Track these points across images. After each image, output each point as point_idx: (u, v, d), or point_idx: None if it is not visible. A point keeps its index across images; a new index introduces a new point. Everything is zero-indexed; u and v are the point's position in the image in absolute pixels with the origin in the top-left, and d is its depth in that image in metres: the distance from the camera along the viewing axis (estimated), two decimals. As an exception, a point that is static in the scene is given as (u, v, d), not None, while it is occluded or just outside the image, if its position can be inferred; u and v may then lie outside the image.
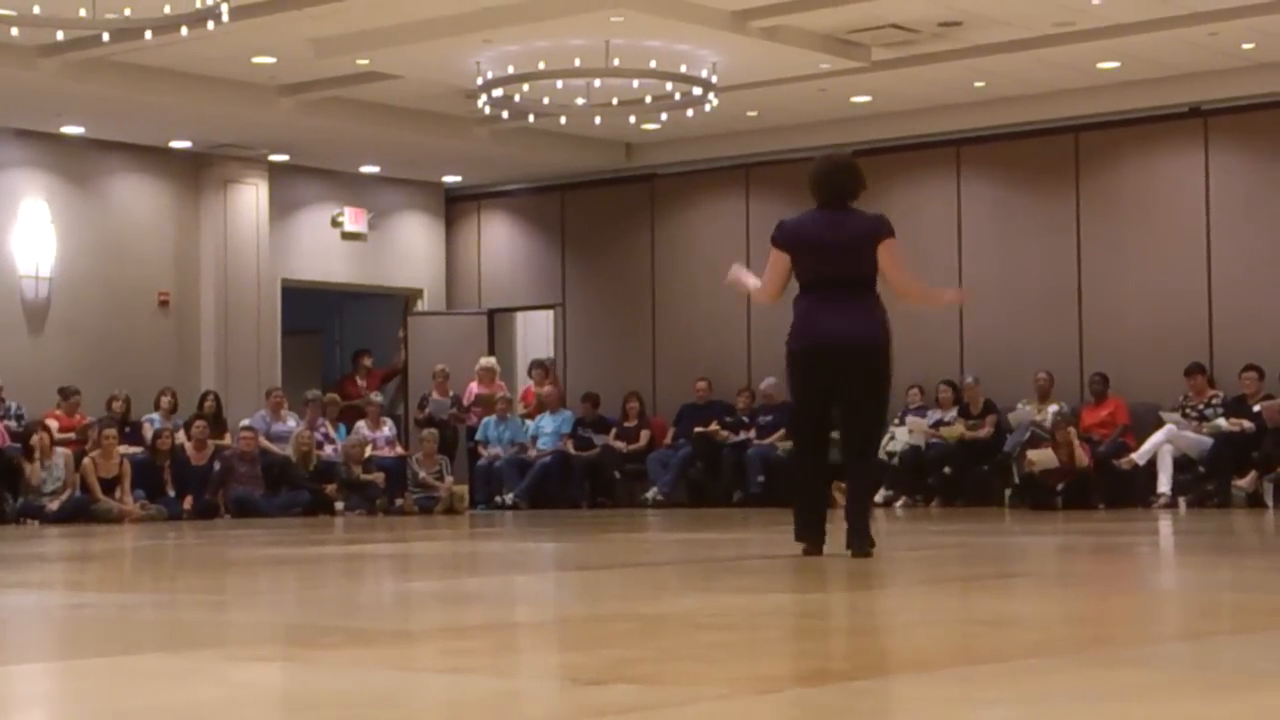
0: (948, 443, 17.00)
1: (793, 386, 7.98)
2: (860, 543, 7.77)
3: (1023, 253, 17.75)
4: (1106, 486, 15.88)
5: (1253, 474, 15.43)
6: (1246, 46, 15.51)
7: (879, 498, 17.19)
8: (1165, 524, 12.64)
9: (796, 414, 8.11)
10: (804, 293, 7.85)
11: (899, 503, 17.00)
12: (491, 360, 19.66)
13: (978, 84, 16.82)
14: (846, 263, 7.75)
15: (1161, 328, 16.84)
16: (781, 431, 17.91)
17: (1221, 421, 15.81)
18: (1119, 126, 17.29)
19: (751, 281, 8.26)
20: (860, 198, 8.03)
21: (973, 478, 16.89)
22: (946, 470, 16.98)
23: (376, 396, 18.85)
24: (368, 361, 20.71)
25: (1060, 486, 15.69)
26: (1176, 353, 16.46)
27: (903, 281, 7.94)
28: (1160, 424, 15.98)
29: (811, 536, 7.91)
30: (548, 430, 18.88)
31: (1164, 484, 15.73)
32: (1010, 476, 16.41)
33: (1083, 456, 15.74)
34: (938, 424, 17.20)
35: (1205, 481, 15.79)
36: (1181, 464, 15.85)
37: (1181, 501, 15.67)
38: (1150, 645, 4.56)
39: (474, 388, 19.35)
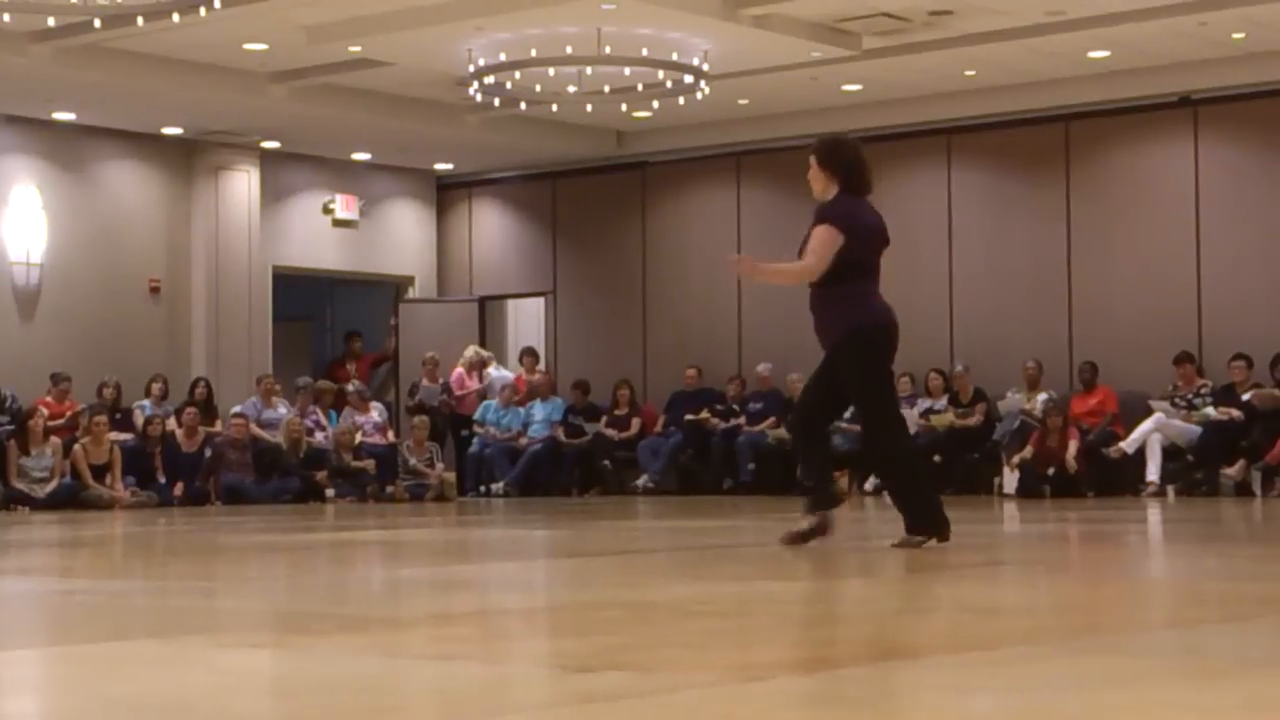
0: (938, 431, 17.02)
1: (879, 366, 7.87)
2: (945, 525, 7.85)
3: (1013, 242, 17.76)
4: (1095, 475, 15.91)
5: (1241, 463, 15.45)
6: (1237, 36, 15.53)
7: (868, 486, 17.22)
8: (1154, 512, 12.66)
9: (893, 393, 8.17)
10: (857, 276, 7.82)
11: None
12: (481, 351, 19.64)
13: (968, 73, 16.82)
14: (881, 251, 7.97)
15: (1151, 316, 16.86)
16: (771, 419, 17.94)
17: (1210, 410, 15.83)
18: (1109, 116, 17.30)
19: (780, 267, 8.30)
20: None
21: (962, 466, 16.91)
22: (936, 458, 16.99)
23: (352, 386, 18.69)
24: (358, 345, 20.68)
25: (1050, 471, 15.73)
26: (1165, 341, 16.48)
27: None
28: (1149, 413, 16.00)
29: (943, 521, 7.84)
30: (538, 418, 18.88)
31: (1153, 472, 15.75)
32: (999, 465, 16.42)
33: (1072, 449, 15.77)
34: (927, 412, 17.22)
35: (1194, 470, 15.82)
36: (1170, 452, 15.88)
37: (1170, 490, 15.70)
38: (1139, 633, 4.57)
39: (462, 376, 19.35)
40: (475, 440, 18.86)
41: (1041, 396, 16.52)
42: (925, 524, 7.77)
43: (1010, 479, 16.06)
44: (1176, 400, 16.08)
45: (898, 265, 18.29)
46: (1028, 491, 15.69)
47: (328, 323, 22.99)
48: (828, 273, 7.72)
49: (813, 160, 7.94)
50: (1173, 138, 17.06)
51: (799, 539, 7.78)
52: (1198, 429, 15.77)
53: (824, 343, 7.94)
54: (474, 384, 19.38)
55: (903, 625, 4.75)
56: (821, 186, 7.92)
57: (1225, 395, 15.90)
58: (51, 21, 14.09)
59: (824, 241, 7.73)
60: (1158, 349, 16.48)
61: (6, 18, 13.67)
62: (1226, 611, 5.23)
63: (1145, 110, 17.11)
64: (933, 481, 8.07)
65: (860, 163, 7.90)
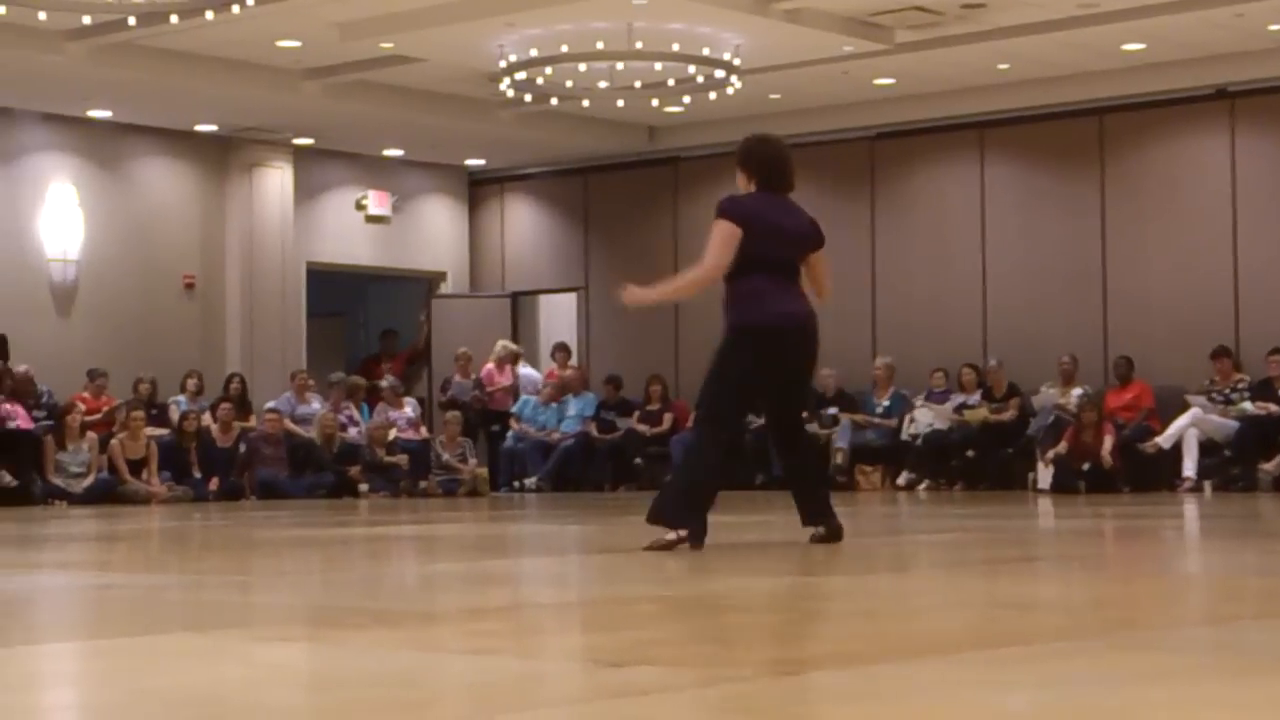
0: (972, 426, 16.98)
1: (751, 370, 7.46)
2: (837, 525, 7.55)
3: (1047, 236, 17.71)
4: (1131, 470, 15.85)
5: (1278, 458, 15.38)
6: (1273, 28, 15.44)
7: (902, 480, 17.20)
8: (1190, 508, 12.61)
9: (745, 393, 7.60)
10: (757, 273, 7.44)
11: (922, 486, 16.99)
12: (511, 345, 19.66)
13: (1001, 66, 16.77)
14: (796, 249, 7.57)
15: (1187, 311, 16.79)
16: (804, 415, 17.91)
17: (1247, 405, 15.76)
18: (1144, 108, 17.23)
19: (674, 282, 8.00)
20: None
21: (996, 461, 16.87)
22: (970, 454, 16.96)
23: (386, 381, 18.75)
24: (394, 342, 20.73)
25: (1085, 466, 15.68)
26: (1202, 336, 16.41)
27: (829, 291, 7.89)
28: (1185, 407, 15.94)
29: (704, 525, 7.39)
30: (570, 413, 18.89)
31: (1189, 468, 15.69)
32: (1034, 461, 16.37)
33: (1107, 444, 15.71)
34: (961, 407, 17.17)
35: (1231, 465, 15.75)
36: (1207, 448, 15.81)
37: (1207, 485, 15.63)
38: (1175, 629, 4.55)
39: (492, 371, 19.38)
40: (508, 435, 18.88)
41: (1076, 391, 16.46)
42: (684, 522, 7.27)
43: (1045, 474, 16.02)
44: (1213, 395, 16.01)
45: (931, 260, 18.49)
46: (1062, 487, 15.63)
47: (361, 318, 23.05)
48: (731, 268, 7.39)
49: (736, 161, 7.68)
50: (1209, 130, 16.98)
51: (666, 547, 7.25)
52: (1235, 424, 15.70)
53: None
54: (504, 379, 19.39)
55: (936, 620, 4.74)
56: (741, 187, 7.64)
57: (1263, 390, 15.83)
58: (87, 19, 14.15)
59: (717, 238, 7.40)
60: (1194, 343, 16.41)
61: (43, 16, 13.74)
62: (1264, 608, 5.20)
63: (1180, 103, 17.04)
64: (714, 494, 7.47)
65: (778, 160, 7.62)
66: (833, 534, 7.55)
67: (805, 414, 7.71)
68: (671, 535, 7.24)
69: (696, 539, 7.25)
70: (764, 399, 7.76)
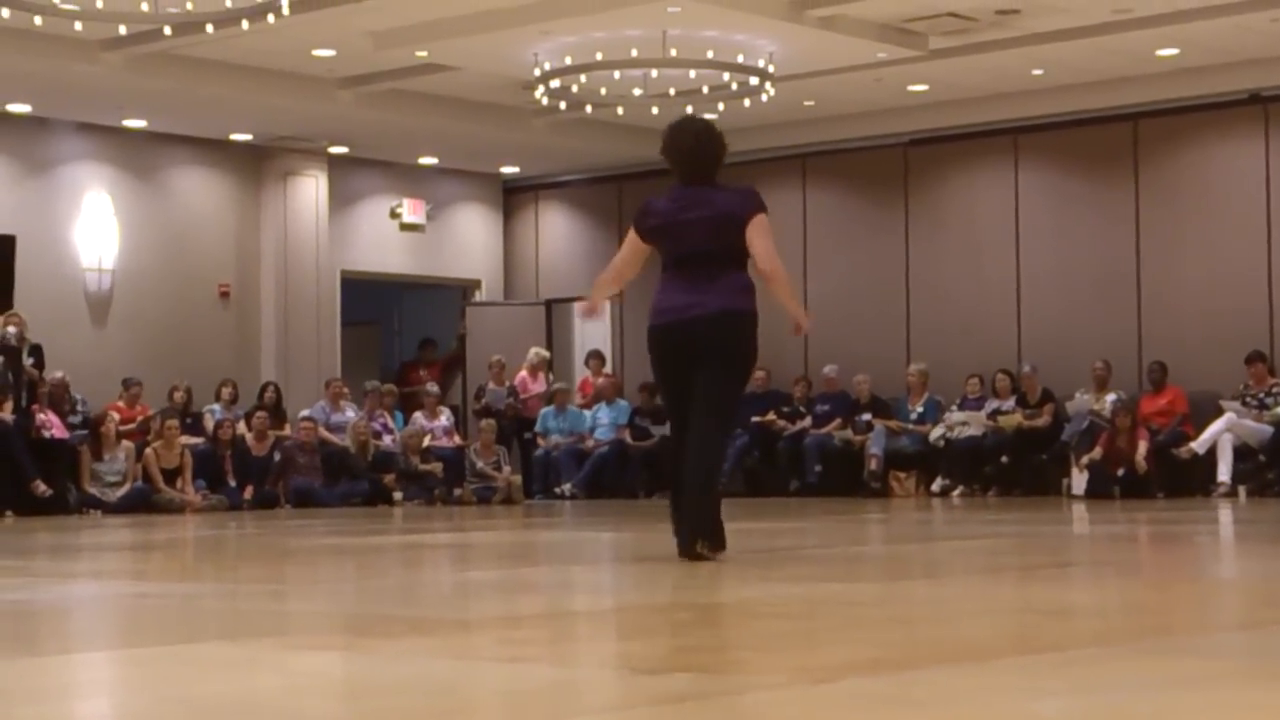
0: (1006, 432, 16.94)
1: (656, 370, 7.53)
2: (716, 540, 7.00)
3: (1081, 242, 17.66)
4: (1165, 476, 15.79)
5: (1314, 463, 15.32)
6: (1308, 32, 15.39)
7: (936, 486, 17.16)
8: (1225, 513, 12.56)
9: (663, 396, 7.62)
10: (662, 272, 7.40)
11: (956, 492, 16.95)
12: (542, 352, 19.69)
13: (1035, 72, 16.74)
14: (702, 241, 7.20)
15: (1221, 315, 16.72)
16: (838, 421, 17.92)
17: (1283, 410, 15.70)
18: (1178, 114, 17.17)
19: (595, 298, 7.94)
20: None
21: (1030, 467, 16.82)
22: (1004, 460, 16.92)
23: (433, 388, 18.91)
24: (432, 351, 20.76)
25: (1120, 472, 15.63)
26: (1236, 341, 16.34)
27: (774, 267, 7.16)
28: (1220, 412, 15.87)
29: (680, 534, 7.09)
30: (604, 421, 18.90)
31: (1224, 473, 15.63)
32: (1068, 467, 16.32)
33: (1142, 450, 15.66)
34: (995, 413, 17.13)
35: (1266, 470, 15.68)
36: (1241, 453, 15.75)
37: (1241, 490, 15.56)
38: (1210, 634, 4.54)
39: (525, 379, 19.39)
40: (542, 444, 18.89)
41: (1110, 397, 16.41)
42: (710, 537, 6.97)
43: (1079, 480, 15.96)
44: (1248, 400, 15.95)
45: (965, 266, 18.44)
46: (1097, 493, 15.58)
47: (395, 326, 23.10)
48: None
49: None
50: (1243, 136, 16.92)
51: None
52: (1269, 429, 15.63)
53: None
54: (537, 386, 19.40)
55: (971, 626, 4.73)
56: None
57: (1298, 395, 15.76)
58: (123, 30, 14.23)
59: (624, 245, 7.57)
60: (1228, 348, 16.34)
61: (78, 26, 13.81)
62: (1299, 613, 5.18)
63: (1215, 108, 16.98)
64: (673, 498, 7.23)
65: (680, 148, 7.40)
66: (703, 549, 6.90)
67: (712, 417, 7.07)
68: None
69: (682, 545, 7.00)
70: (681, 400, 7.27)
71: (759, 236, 7.16)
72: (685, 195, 7.35)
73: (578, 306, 8.16)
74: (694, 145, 7.42)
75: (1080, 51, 15.90)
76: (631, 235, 7.46)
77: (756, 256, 7.16)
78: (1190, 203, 17.10)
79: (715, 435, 7.16)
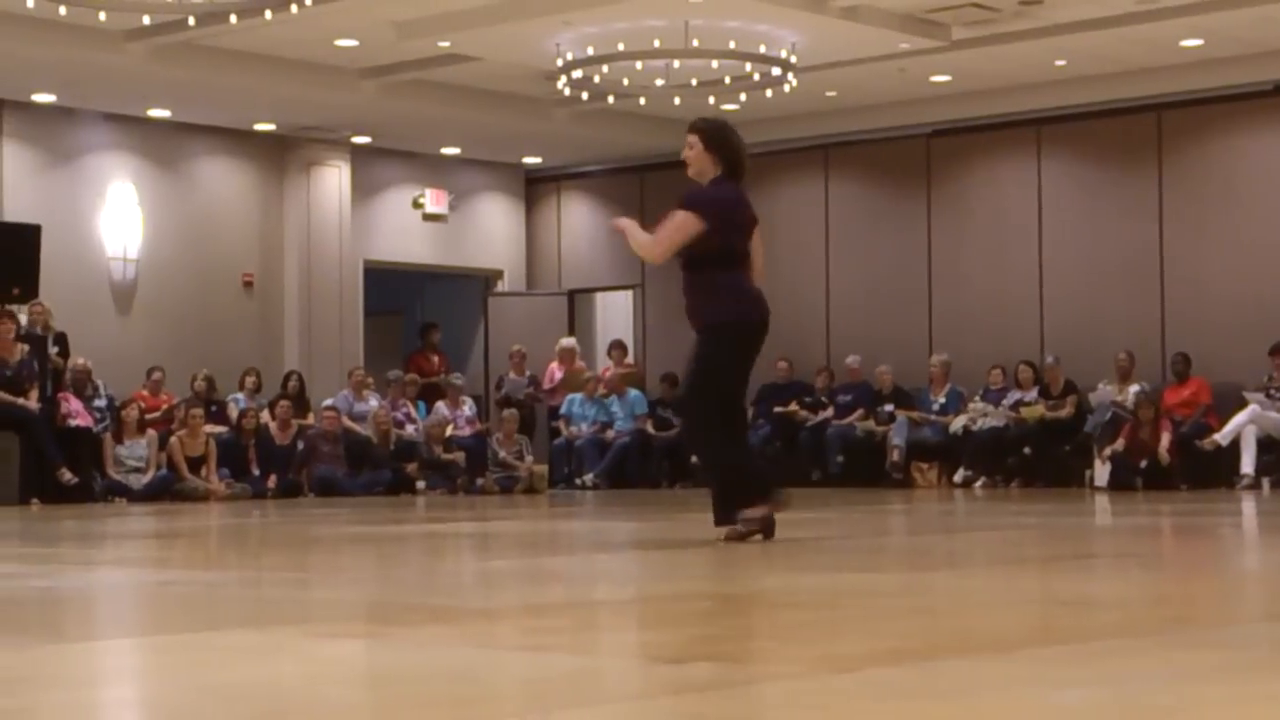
0: (1028, 423, 16.92)
1: (726, 358, 7.66)
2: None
3: (1104, 233, 17.62)
4: (1189, 468, 15.76)
5: (1338, 455, 15.27)
6: (1333, 23, 15.33)
7: (958, 477, 17.15)
8: (1249, 505, 12.53)
9: (732, 385, 7.73)
10: (732, 264, 7.62)
11: (979, 483, 16.94)
12: (571, 341, 19.71)
13: (1059, 63, 16.70)
14: (750, 237, 7.74)
15: (1245, 307, 16.68)
16: (860, 412, 17.92)
17: (1307, 402, 15.66)
18: (1202, 105, 17.12)
19: (642, 236, 7.96)
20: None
21: (1053, 458, 16.80)
22: (1026, 451, 16.90)
23: (457, 379, 18.91)
24: (436, 337, 20.68)
25: (1143, 463, 15.60)
26: (1260, 332, 16.29)
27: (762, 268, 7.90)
28: (1244, 404, 15.84)
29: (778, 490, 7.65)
30: (619, 414, 18.87)
31: (1247, 465, 15.59)
32: (1091, 458, 16.30)
33: (1165, 441, 15.62)
34: (1018, 404, 17.11)
35: (1289, 462, 15.66)
36: (1265, 445, 15.71)
37: (1265, 482, 15.53)
38: (1233, 626, 4.54)
39: (554, 369, 19.40)
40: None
41: (1134, 388, 16.38)
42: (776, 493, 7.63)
43: (1102, 471, 15.94)
44: (1272, 392, 15.90)
45: (987, 257, 18.41)
46: (1119, 484, 15.56)
47: (418, 316, 23.11)
48: (699, 258, 7.57)
49: (697, 140, 7.74)
50: (1267, 126, 16.86)
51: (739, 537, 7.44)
52: (1293, 421, 15.60)
53: (695, 326, 7.78)
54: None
55: (992, 617, 4.73)
56: (701, 167, 7.74)
57: (1322, 387, 15.72)
58: (147, 20, 14.28)
59: (678, 227, 7.61)
60: (1252, 340, 16.30)
61: (103, 16, 13.85)
62: (1322, 605, 5.17)
63: (1239, 99, 16.93)
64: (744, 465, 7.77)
65: (743, 150, 7.86)
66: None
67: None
68: (740, 526, 7.41)
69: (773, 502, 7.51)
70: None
71: (759, 242, 7.85)
72: (740, 192, 7.75)
73: (616, 221, 8.21)
74: (742, 146, 7.83)
75: (1104, 42, 15.87)
76: (694, 219, 7.55)
77: (756, 257, 7.79)
78: (1214, 194, 17.06)
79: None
